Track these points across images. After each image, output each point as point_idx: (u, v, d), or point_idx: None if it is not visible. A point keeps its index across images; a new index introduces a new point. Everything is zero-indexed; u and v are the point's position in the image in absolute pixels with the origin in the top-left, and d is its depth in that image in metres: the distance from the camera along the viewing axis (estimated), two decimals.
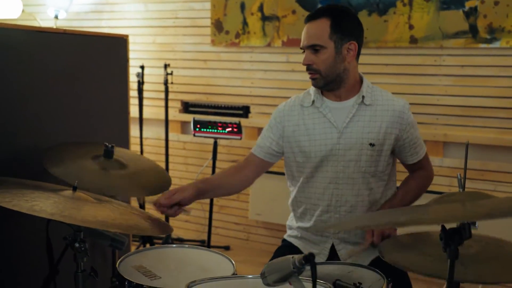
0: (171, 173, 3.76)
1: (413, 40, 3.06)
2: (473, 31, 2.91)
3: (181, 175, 3.86)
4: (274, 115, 1.97)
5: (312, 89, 1.92)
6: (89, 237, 1.57)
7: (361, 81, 1.88)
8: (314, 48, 1.79)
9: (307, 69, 1.83)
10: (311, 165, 1.86)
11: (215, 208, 3.73)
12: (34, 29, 2.15)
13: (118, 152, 1.95)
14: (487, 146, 3.00)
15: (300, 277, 1.00)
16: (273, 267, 1.00)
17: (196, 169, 3.76)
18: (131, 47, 3.86)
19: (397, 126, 1.84)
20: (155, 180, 1.97)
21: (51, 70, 2.10)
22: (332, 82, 1.82)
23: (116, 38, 2.52)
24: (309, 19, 1.83)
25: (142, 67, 3.53)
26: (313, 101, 1.89)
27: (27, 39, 2.01)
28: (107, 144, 1.87)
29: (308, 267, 0.95)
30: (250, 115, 3.62)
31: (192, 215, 3.83)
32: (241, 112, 3.63)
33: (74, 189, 1.46)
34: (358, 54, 1.84)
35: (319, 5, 3.25)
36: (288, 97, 3.42)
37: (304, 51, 1.84)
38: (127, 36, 2.55)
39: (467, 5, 2.91)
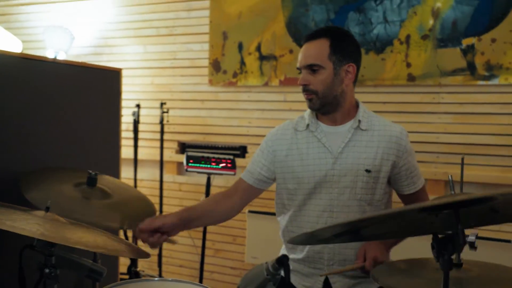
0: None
1: (411, 78, 3.03)
2: (471, 68, 2.89)
3: None
4: (266, 139, 1.90)
5: (306, 113, 1.86)
6: (65, 267, 1.47)
7: (357, 106, 1.83)
8: (312, 68, 1.75)
9: (304, 90, 1.78)
10: (304, 191, 1.78)
11: (210, 252, 3.61)
12: (26, 56, 2.13)
13: (104, 180, 1.87)
14: (490, 185, 2.90)
15: None
16: (247, 278, 0.91)
17: None
18: (129, 88, 3.89)
19: (394, 152, 1.77)
20: (139, 210, 1.88)
21: (41, 97, 2.07)
22: (328, 104, 1.77)
23: (109, 71, 2.50)
24: (308, 39, 1.80)
25: (138, 106, 3.51)
26: (308, 125, 1.83)
27: (18, 65, 1.99)
28: (90, 171, 1.80)
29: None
30: (247, 154, 3.55)
31: (186, 259, 3.70)
32: (238, 152, 3.56)
33: (47, 209, 1.37)
34: (356, 78, 1.80)
35: None
36: None
37: (300, 72, 1.79)
38: (120, 69, 2.53)
39: (464, 42, 2.90)
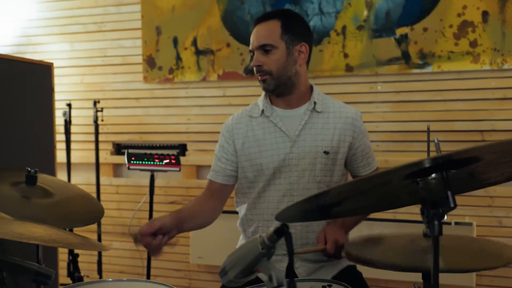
0: (103, 219, 3.48)
1: (349, 68, 3.08)
2: (406, 57, 2.97)
3: (114, 222, 3.58)
4: (223, 131, 1.85)
5: (260, 100, 1.82)
6: (8, 271, 1.33)
7: (311, 88, 1.81)
8: (264, 49, 1.73)
9: (257, 71, 1.75)
10: (264, 178, 1.74)
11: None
12: None
13: (44, 179, 1.73)
14: None
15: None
16: (235, 257, 0.84)
17: (130, 214, 3.49)
18: (57, 88, 3.67)
19: (350, 133, 1.77)
20: (86, 209, 1.75)
21: None
22: (283, 85, 1.73)
23: (39, 65, 2.33)
24: (258, 21, 1.78)
25: (69, 105, 3.31)
26: (263, 111, 1.78)
27: None
28: (29, 169, 1.65)
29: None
30: (187, 152, 3.46)
31: (126, 265, 3.55)
32: (177, 150, 3.46)
33: None
34: (309, 59, 1.78)
35: None
36: None
37: (253, 55, 1.76)
38: (51, 63, 2.36)
39: (398, 32, 2.98)
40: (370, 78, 3.07)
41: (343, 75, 3.10)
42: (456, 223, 2.86)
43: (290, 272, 0.78)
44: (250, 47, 1.78)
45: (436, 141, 1.00)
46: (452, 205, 0.89)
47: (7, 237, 1.02)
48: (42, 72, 2.30)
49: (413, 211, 2.94)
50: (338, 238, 1.65)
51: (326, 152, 1.74)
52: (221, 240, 3.30)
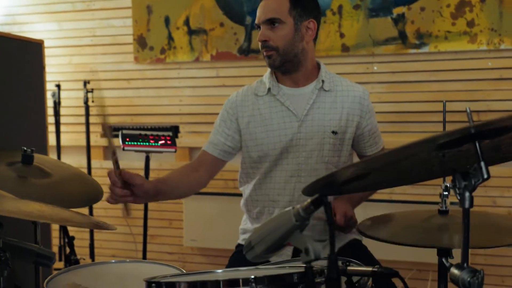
0: (95, 204, 3.42)
1: (345, 49, 3.03)
2: (402, 37, 2.94)
3: (106, 205, 3.50)
4: (226, 106, 1.79)
5: (265, 77, 1.77)
6: (8, 252, 1.27)
7: (318, 66, 1.77)
8: (271, 23, 1.67)
9: (263, 46, 1.70)
10: (270, 158, 1.70)
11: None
12: None
13: (38, 159, 1.66)
14: None
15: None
16: (264, 231, 0.80)
17: None
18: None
19: (357, 113, 1.74)
20: (84, 189, 1.70)
21: None
22: (289, 62, 1.69)
23: (29, 42, 2.25)
24: None
25: (59, 86, 3.22)
26: (269, 89, 1.73)
27: None
28: (25, 148, 1.59)
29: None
30: (180, 135, 3.40)
31: (118, 248, 3.50)
32: (170, 133, 3.38)
33: None
34: (316, 36, 1.74)
35: (247, 17, 3.16)
36: None
37: (259, 28, 1.70)
38: (42, 41, 2.28)
39: (395, 11, 2.94)
40: (366, 59, 3.03)
41: (339, 55, 3.06)
42: (451, 203, 2.85)
43: (332, 244, 0.74)
44: (256, 21, 1.72)
45: (468, 110, 0.96)
46: (486, 175, 0.86)
47: (17, 216, 0.97)
48: (32, 50, 2.22)
49: (409, 192, 2.94)
50: (347, 211, 1.64)
51: (334, 132, 1.70)
52: (215, 223, 3.27)
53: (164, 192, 1.66)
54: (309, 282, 0.77)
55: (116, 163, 1.49)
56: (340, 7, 3.02)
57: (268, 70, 1.79)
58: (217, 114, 3.35)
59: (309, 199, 0.77)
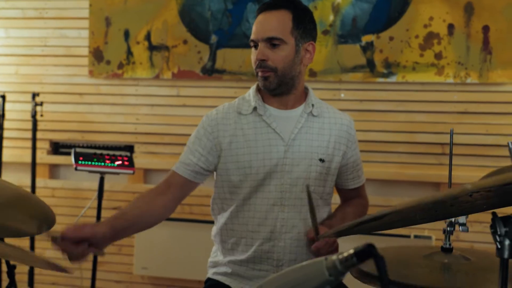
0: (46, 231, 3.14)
1: (312, 74, 2.96)
2: (371, 65, 2.90)
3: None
4: (204, 124, 1.63)
5: (249, 95, 1.64)
6: None
7: (306, 89, 1.67)
8: (272, 42, 1.54)
9: (260, 66, 1.56)
10: (251, 183, 1.55)
11: (90, 265, 3.17)
12: None
13: None
14: (389, 181, 2.94)
15: None
16: (284, 283, 0.65)
17: (68, 220, 3.15)
18: None
19: (344, 141, 1.64)
20: (31, 212, 1.49)
21: None
22: (284, 85, 1.58)
23: None
24: (267, 8, 1.58)
25: (3, 97, 2.95)
26: (255, 108, 1.60)
27: None
28: None
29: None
30: (134, 155, 3.19)
31: (59, 275, 3.22)
32: (128, 153, 3.17)
33: None
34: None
35: (213, 36, 3.04)
36: (180, 134, 3.10)
37: (255, 45, 1.57)
38: None
39: (364, 39, 2.91)
40: (333, 85, 2.97)
41: (306, 80, 2.96)
42: (416, 236, 2.80)
43: None
44: (253, 37, 1.58)
45: (510, 145, 0.86)
46: None
47: None
48: None
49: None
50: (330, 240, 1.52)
51: (321, 160, 1.60)
52: (169, 250, 3.07)
53: (126, 229, 1.51)
54: None
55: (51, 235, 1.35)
56: None
57: (253, 88, 1.67)
58: (176, 134, 3.21)
59: (351, 250, 0.64)
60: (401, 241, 2.79)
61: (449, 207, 0.88)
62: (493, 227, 0.81)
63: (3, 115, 2.96)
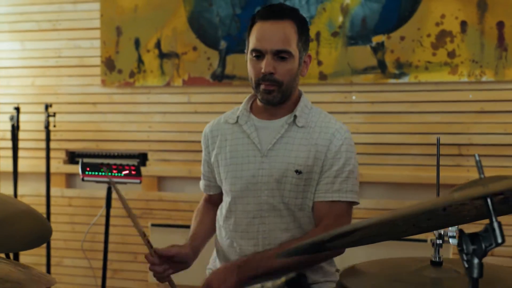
0: (54, 235, 3.18)
1: (323, 77, 2.92)
2: (382, 66, 2.84)
3: (65, 237, 3.28)
4: (203, 140, 1.71)
5: (241, 106, 1.62)
6: None
7: (298, 98, 1.61)
8: (280, 55, 1.48)
9: (266, 79, 1.49)
10: (232, 195, 1.54)
11: (108, 273, 3.18)
12: None
13: None
14: (403, 184, 2.87)
15: None
16: None
17: (84, 229, 3.21)
18: (4, 90, 3.37)
19: (324, 150, 1.52)
20: (29, 228, 1.50)
21: None
22: (285, 98, 1.54)
23: None
24: (271, 17, 1.50)
25: (18, 109, 3.01)
26: (238, 117, 1.58)
27: None
28: None
29: None
30: (148, 162, 3.21)
31: (78, 283, 3.26)
32: (137, 160, 3.20)
33: None
34: None
35: (222, 41, 3.03)
36: (192, 141, 3.10)
37: (257, 56, 1.50)
38: None
39: (374, 40, 2.85)
40: (344, 87, 2.92)
41: (316, 83, 2.94)
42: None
43: None
44: (259, 47, 1.49)
45: (477, 158, 0.81)
46: (499, 240, 0.71)
47: None
48: None
49: None
50: (212, 281, 1.46)
51: (298, 172, 1.50)
52: None
53: (201, 246, 1.67)
54: None
55: (148, 243, 1.51)
56: (318, 34, 2.91)
57: (247, 97, 1.64)
58: (188, 141, 3.21)
59: (283, 278, 0.61)
60: (417, 247, 2.71)
61: (441, 216, 0.83)
62: (460, 245, 0.76)
63: (18, 127, 3.01)
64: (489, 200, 0.72)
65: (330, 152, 1.52)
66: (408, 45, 2.80)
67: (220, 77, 3.05)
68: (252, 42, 1.51)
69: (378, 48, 2.84)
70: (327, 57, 2.91)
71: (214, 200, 1.73)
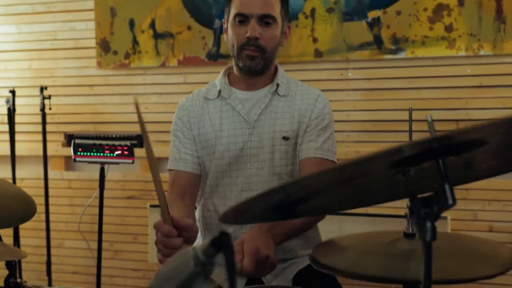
0: (53, 217, 3.21)
1: (318, 54, 2.88)
2: (378, 42, 2.79)
3: (66, 219, 3.31)
4: (178, 114, 1.62)
5: (218, 79, 1.61)
6: None
7: (275, 69, 1.62)
8: (265, 20, 1.48)
9: (251, 44, 1.48)
10: (218, 169, 1.53)
11: (108, 254, 3.22)
12: None
13: None
14: None
15: None
16: (164, 275, 0.62)
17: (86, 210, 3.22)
18: (1, 74, 3.37)
19: (308, 114, 1.56)
20: (16, 210, 1.50)
21: None
22: (266, 66, 1.54)
23: None
24: None
25: (13, 92, 3.00)
26: (220, 91, 1.57)
27: None
28: None
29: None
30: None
31: (80, 265, 3.29)
32: (135, 141, 3.20)
33: None
34: None
35: (216, 20, 3.00)
36: None
37: (242, 21, 1.48)
38: None
39: (370, 15, 2.80)
40: (340, 64, 2.89)
41: (312, 61, 2.91)
42: None
43: None
44: (244, 10, 1.47)
45: (429, 119, 0.80)
46: (450, 201, 0.70)
47: None
48: None
49: (388, 205, 2.79)
50: (259, 248, 1.27)
51: (285, 138, 1.53)
52: None
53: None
54: None
55: (167, 208, 1.15)
56: (313, 10, 2.87)
57: (222, 71, 1.63)
58: None
59: (207, 241, 0.60)
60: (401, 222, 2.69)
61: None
62: (411, 208, 0.75)
63: (14, 110, 3.01)
64: (440, 162, 0.70)
65: (313, 114, 1.57)
66: (405, 20, 2.75)
67: (215, 57, 3.03)
68: (235, 6, 1.50)
69: (374, 24, 2.80)
70: (322, 34, 2.87)
71: (187, 184, 1.54)
